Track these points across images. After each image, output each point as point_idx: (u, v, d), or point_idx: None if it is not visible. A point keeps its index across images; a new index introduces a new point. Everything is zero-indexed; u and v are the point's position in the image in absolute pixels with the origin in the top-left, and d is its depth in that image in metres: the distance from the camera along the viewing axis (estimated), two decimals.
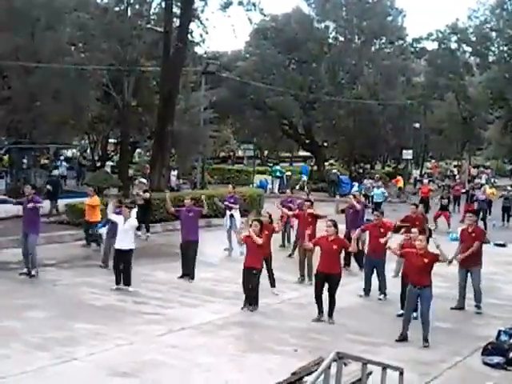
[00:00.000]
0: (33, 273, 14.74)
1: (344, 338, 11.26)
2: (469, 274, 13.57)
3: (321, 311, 12.35)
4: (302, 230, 15.73)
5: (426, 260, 11.21)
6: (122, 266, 13.99)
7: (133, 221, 14.18)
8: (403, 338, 11.26)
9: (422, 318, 11.26)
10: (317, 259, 12.89)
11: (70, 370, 9.30)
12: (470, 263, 13.44)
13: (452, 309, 13.61)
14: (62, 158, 38.56)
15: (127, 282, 13.97)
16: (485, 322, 13.00)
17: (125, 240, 13.96)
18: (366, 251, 15.28)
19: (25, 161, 27.39)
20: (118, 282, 14.01)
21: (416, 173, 46.58)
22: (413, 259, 11.42)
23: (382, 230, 14.29)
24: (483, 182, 39.56)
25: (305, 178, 41.36)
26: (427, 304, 11.30)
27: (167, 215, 21.10)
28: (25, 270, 14.89)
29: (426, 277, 11.27)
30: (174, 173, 31.03)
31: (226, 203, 19.51)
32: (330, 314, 12.28)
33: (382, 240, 13.77)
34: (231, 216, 19.50)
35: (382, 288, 14.32)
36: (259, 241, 12.71)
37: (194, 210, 15.42)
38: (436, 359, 10.53)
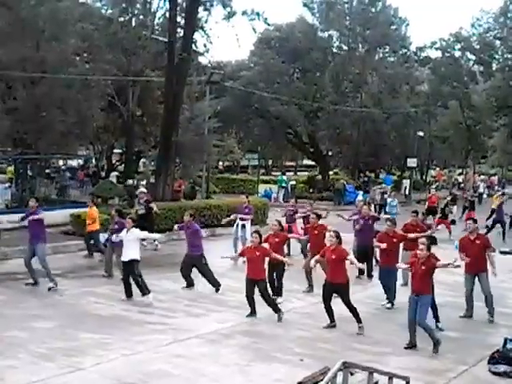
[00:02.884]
0: (51, 285, 14.61)
1: (350, 347, 11.24)
2: (476, 281, 13.53)
3: (332, 319, 12.36)
4: (312, 243, 15.73)
5: (423, 267, 11.20)
6: (129, 277, 13.97)
7: (136, 231, 14.17)
8: (412, 346, 11.26)
9: (421, 326, 11.16)
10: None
11: (75, 380, 9.30)
12: (478, 268, 13.39)
13: (461, 317, 13.56)
14: (65, 167, 38.71)
15: (142, 292, 13.88)
16: (491, 330, 12.95)
17: (129, 251, 13.96)
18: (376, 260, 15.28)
19: (30, 171, 27.44)
20: (127, 295, 13.96)
21: (406, 182, 46.02)
22: (414, 267, 11.44)
23: (394, 240, 14.26)
24: (481, 190, 39.13)
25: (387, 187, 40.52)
26: (424, 311, 11.22)
27: (172, 225, 21.14)
28: (30, 281, 14.93)
29: (423, 284, 11.22)
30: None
31: (241, 216, 19.55)
32: (358, 321, 12.23)
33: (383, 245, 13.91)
34: (243, 226, 19.49)
35: (391, 297, 14.30)
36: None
37: (192, 226, 15.36)
38: (442, 368, 10.49)
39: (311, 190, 41.40)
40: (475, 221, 14.01)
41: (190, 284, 15.28)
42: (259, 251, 12.86)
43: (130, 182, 31.81)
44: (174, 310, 13.30)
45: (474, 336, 12.48)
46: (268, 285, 13.39)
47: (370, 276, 16.71)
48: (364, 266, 14.89)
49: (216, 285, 15.15)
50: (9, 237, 18.32)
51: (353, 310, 12.27)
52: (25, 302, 13.55)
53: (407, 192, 43.92)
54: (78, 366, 9.73)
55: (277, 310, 12.92)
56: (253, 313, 12.96)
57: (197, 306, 13.70)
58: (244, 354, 10.76)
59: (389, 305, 14.26)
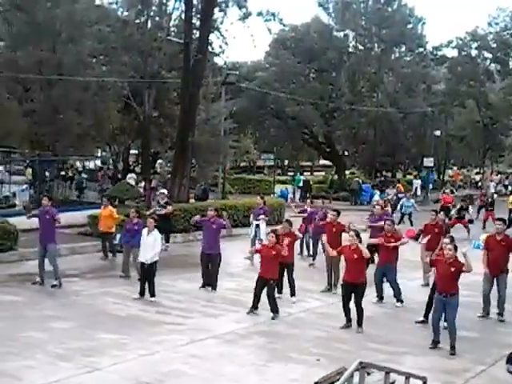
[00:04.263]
0: (55, 283, 14.85)
1: (366, 347, 11.21)
2: (495, 281, 13.46)
3: (349, 319, 12.36)
4: (328, 242, 15.70)
5: (452, 269, 11.16)
6: (147, 277, 14.06)
7: (157, 235, 14.23)
8: (435, 346, 11.27)
9: (449, 327, 11.23)
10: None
11: (93, 380, 9.35)
12: (499, 269, 13.33)
13: (479, 317, 13.49)
14: (83, 169, 38.99)
15: (152, 293, 14.02)
16: (509, 330, 12.88)
17: (149, 253, 14.02)
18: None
19: (47, 173, 27.65)
20: (141, 294, 14.07)
21: (417, 183, 45.51)
22: (440, 267, 11.39)
23: (392, 240, 14.28)
24: (492, 190, 38.63)
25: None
26: (453, 312, 11.27)
27: (188, 225, 21.20)
28: (38, 279, 15.08)
29: (452, 285, 11.21)
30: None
31: (258, 219, 19.60)
32: (359, 323, 12.26)
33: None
34: (257, 226, 19.55)
35: (397, 295, 14.28)
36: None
37: (217, 222, 15.29)
38: (459, 368, 10.44)
39: (328, 190, 41.33)
40: (505, 222, 13.97)
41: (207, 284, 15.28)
42: (275, 251, 12.90)
43: (153, 183, 31.85)
44: (190, 311, 13.33)
45: (491, 336, 12.43)
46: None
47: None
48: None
49: (214, 286, 15.11)
50: (26, 238, 18.44)
51: (361, 311, 12.28)
52: (42, 302, 13.65)
53: (418, 192, 43.61)
54: (95, 367, 9.78)
55: (276, 310, 12.96)
56: (255, 308, 13.07)
57: (213, 307, 13.72)
58: (260, 354, 10.77)
59: (398, 303, 14.23)
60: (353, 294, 12.26)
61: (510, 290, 13.60)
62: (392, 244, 14.19)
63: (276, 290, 13.83)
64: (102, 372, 9.64)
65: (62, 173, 31.94)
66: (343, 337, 11.91)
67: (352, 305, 12.30)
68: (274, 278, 12.92)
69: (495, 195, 34.48)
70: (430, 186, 41.36)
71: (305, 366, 10.13)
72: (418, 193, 43.39)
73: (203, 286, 15.21)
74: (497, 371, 10.41)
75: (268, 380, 9.66)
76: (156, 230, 14.33)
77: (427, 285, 15.00)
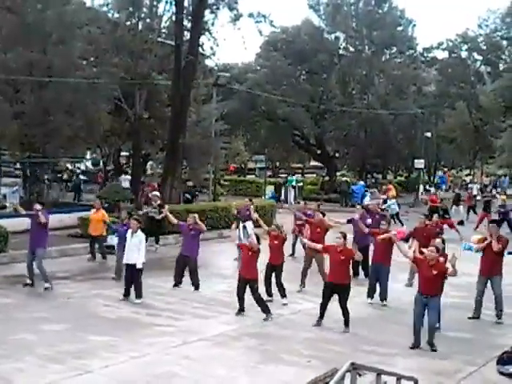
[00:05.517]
0: (46, 285, 14.81)
1: (358, 348, 11.23)
2: (488, 283, 13.50)
3: (321, 317, 12.48)
4: (310, 238, 15.77)
5: (434, 272, 11.19)
6: (131, 278, 14.06)
7: (141, 236, 14.22)
8: (416, 346, 11.26)
9: (428, 326, 11.24)
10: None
11: (84, 382, 9.33)
12: (492, 272, 13.37)
13: (469, 318, 13.51)
14: (79, 171, 39.08)
15: (138, 294, 14.02)
16: (500, 331, 12.93)
17: (133, 254, 14.00)
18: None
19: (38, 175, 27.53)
20: (126, 294, 14.11)
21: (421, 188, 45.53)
22: (422, 268, 11.43)
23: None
24: (475, 192, 38.62)
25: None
26: (435, 314, 11.31)
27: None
28: (28, 281, 15.09)
29: (433, 287, 11.24)
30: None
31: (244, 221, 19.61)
32: (346, 324, 12.31)
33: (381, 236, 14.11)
34: (244, 227, 19.53)
35: (383, 295, 14.35)
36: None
37: (195, 228, 15.45)
38: (451, 369, 10.47)
39: (319, 192, 41.39)
40: (498, 224, 14.02)
41: (179, 283, 15.41)
42: (251, 252, 13.02)
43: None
44: (181, 313, 13.32)
45: (482, 337, 12.46)
46: (264, 285, 13.86)
47: (367, 275, 16.76)
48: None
49: (196, 286, 15.30)
50: (17, 240, 18.38)
51: (347, 312, 12.33)
52: (33, 304, 13.61)
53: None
54: (86, 369, 9.75)
55: (268, 311, 12.99)
56: (242, 310, 13.16)
57: (204, 309, 13.71)
58: (252, 356, 10.77)
59: (384, 302, 14.31)
60: (337, 296, 12.30)
61: (503, 292, 13.61)
62: (383, 236, 14.21)
63: (266, 293, 13.91)
64: (94, 374, 9.61)
65: (59, 175, 31.90)
66: (334, 338, 11.92)
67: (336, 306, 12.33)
68: (253, 278, 12.98)
69: (478, 197, 34.67)
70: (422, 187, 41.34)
71: (296, 368, 10.14)
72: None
73: (176, 285, 15.33)
74: (488, 372, 10.45)
75: (259, 382, 9.66)
76: (140, 231, 14.32)
77: (411, 285, 15.14)
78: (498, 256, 13.40)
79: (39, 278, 15.02)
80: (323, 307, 12.46)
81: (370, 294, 14.51)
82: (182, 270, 15.46)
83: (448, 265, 11.44)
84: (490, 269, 13.34)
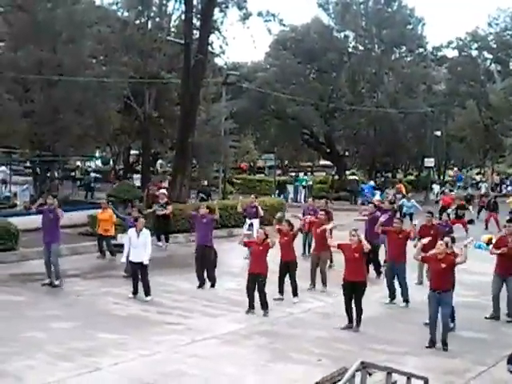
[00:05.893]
0: (56, 283, 14.88)
1: (368, 347, 11.20)
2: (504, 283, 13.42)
3: (351, 320, 12.34)
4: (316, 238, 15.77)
5: (443, 265, 11.18)
6: (139, 276, 14.07)
7: (147, 234, 14.22)
8: (433, 345, 11.25)
9: (442, 322, 11.22)
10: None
11: (93, 380, 9.35)
12: (507, 272, 13.29)
13: (487, 318, 13.41)
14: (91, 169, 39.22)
15: (147, 292, 14.03)
16: (509, 330, 12.86)
17: (141, 252, 14.01)
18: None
19: (48, 173, 27.64)
20: (134, 292, 14.13)
21: (437, 188, 45.16)
22: (432, 264, 11.43)
23: (400, 236, 14.26)
24: (483, 191, 38.42)
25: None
26: (447, 309, 11.28)
27: (188, 226, 21.25)
28: (47, 281, 15.08)
29: (445, 282, 11.22)
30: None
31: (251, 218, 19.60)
32: (358, 322, 12.27)
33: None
34: (250, 225, 19.57)
35: (404, 295, 14.26)
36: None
37: (207, 216, 15.64)
38: (461, 368, 10.43)
39: (329, 191, 41.31)
40: None
41: (203, 283, 15.34)
42: (263, 246, 13.07)
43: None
44: (191, 311, 13.32)
45: (492, 336, 12.41)
46: (278, 283, 13.94)
47: (378, 274, 16.68)
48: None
49: (214, 281, 15.32)
50: (27, 238, 18.45)
51: (361, 311, 12.28)
52: (43, 302, 13.65)
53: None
54: (96, 366, 9.77)
55: (266, 306, 13.11)
56: (252, 308, 13.18)
57: (214, 307, 13.71)
58: (262, 355, 10.76)
59: (404, 304, 14.21)
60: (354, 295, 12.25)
61: None
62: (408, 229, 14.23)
63: (278, 290, 13.92)
64: (103, 372, 9.64)
65: (72, 173, 32.00)
66: (344, 337, 11.90)
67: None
68: (262, 273, 13.01)
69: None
70: (438, 187, 41.11)
71: (306, 366, 10.12)
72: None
73: (200, 286, 15.24)
74: (498, 371, 10.38)
75: (269, 380, 9.65)
76: (146, 229, 14.33)
77: (421, 283, 15.10)
78: None
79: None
80: (348, 308, 12.30)
81: (391, 295, 14.41)
82: (202, 266, 15.39)
83: (460, 252, 11.39)
84: (506, 268, 13.26)
